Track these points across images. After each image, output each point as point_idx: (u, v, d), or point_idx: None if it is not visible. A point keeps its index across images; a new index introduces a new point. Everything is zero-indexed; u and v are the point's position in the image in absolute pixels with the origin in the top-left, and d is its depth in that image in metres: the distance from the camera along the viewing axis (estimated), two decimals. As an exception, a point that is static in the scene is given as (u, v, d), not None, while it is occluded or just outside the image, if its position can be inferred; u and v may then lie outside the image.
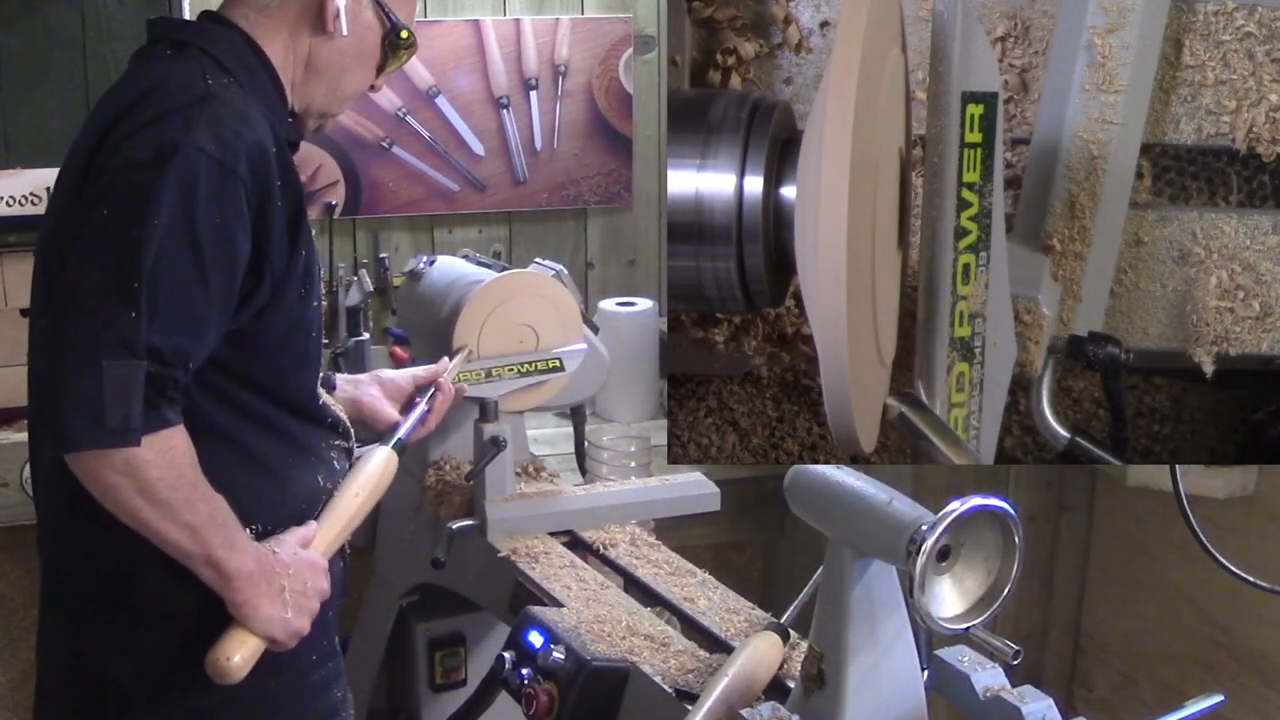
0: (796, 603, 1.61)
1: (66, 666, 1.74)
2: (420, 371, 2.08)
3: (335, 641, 1.83)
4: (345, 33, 1.71)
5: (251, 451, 1.68)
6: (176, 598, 1.65)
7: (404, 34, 1.76)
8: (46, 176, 2.56)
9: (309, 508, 1.74)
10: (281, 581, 1.64)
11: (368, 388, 2.01)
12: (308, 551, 1.70)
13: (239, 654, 1.61)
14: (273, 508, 1.70)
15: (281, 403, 1.71)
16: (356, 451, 1.87)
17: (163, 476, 1.52)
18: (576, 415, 2.44)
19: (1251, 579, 1.84)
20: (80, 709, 1.72)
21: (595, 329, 2.34)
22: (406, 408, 2.02)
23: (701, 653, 1.67)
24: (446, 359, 2.12)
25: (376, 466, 1.84)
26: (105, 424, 1.48)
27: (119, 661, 1.68)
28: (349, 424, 1.85)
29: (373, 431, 1.96)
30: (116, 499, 1.53)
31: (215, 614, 1.62)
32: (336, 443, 1.81)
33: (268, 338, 1.66)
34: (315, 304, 1.74)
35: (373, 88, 1.82)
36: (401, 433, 1.95)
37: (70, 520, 1.67)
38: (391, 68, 1.80)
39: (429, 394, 2.03)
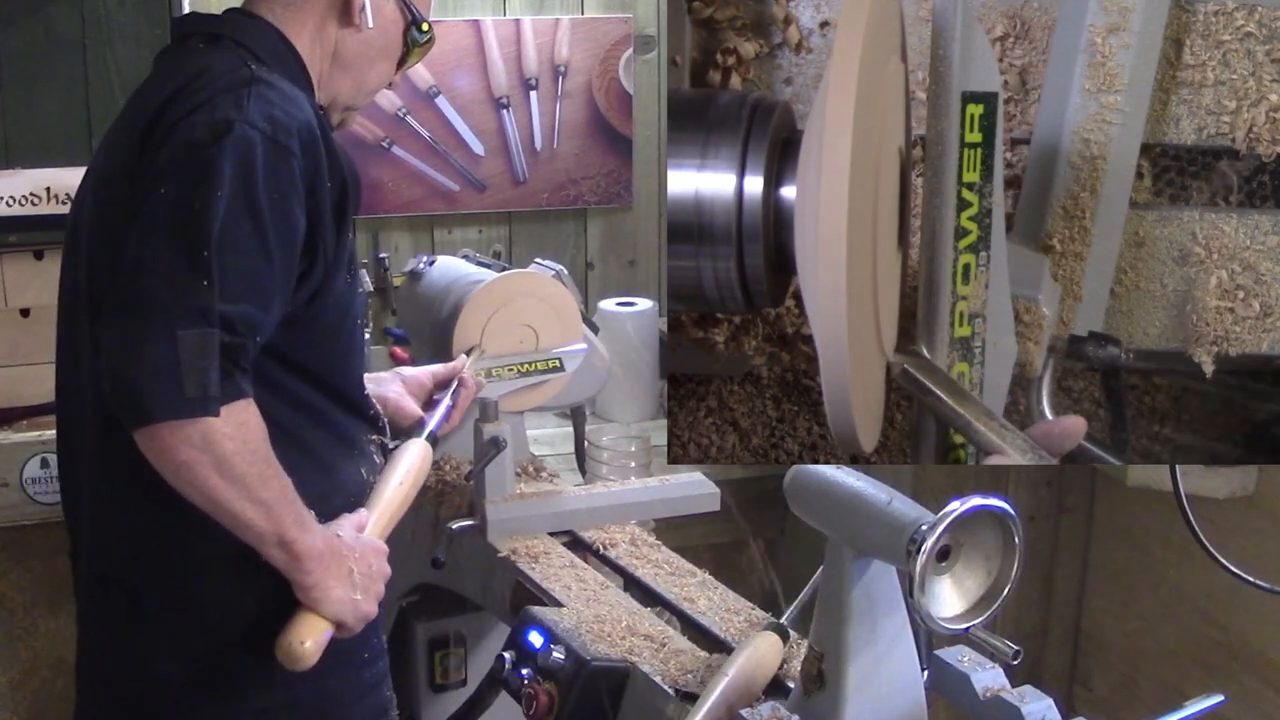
0: (796, 603, 1.61)
1: (116, 673, 1.71)
2: (439, 368, 2.09)
3: (384, 639, 1.84)
4: (370, 25, 1.73)
5: (304, 442, 1.68)
6: (236, 594, 1.64)
7: (424, 26, 1.79)
8: (46, 176, 2.56)
9: (356, 500, 1.75)
10: (349, 564, 1.63)
11: (391, 385, 2.02)
12: (367, 536, 1.70)
13: (311, 638, 1.59)
14: (323, 499, 1.68)
15: (330, 393, 1.71)
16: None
17: (239, 450, 1.50)
18: (576, 415, 2.44)
19: (1251, 579, 1.84)
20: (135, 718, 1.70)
21: (595, 329, 2.34)
22: (427, 404, 2.04)
23: (701, 653, 1.67)
24: (464, 356, 2.13)
25: (416, 456, 1.85)
26: (184, 393, 1.46)
27: (176, 662, 1.66)
28: (385, 420, 1.86)
29: (397, 427, 1.96)
30: (191, 477, 1.49)
31: (276, 610, 1.61)
32: (374, 437, 1.82)
33: (320, 324, 1.67)
34: (360, 292, 1.76)
35: (390, 84, 1.84)
36: (432, 425, 1.96)
37: (124, 518, 1.66)
38: (410, 62, 1.82)
39: (453, 389, 2.05)
